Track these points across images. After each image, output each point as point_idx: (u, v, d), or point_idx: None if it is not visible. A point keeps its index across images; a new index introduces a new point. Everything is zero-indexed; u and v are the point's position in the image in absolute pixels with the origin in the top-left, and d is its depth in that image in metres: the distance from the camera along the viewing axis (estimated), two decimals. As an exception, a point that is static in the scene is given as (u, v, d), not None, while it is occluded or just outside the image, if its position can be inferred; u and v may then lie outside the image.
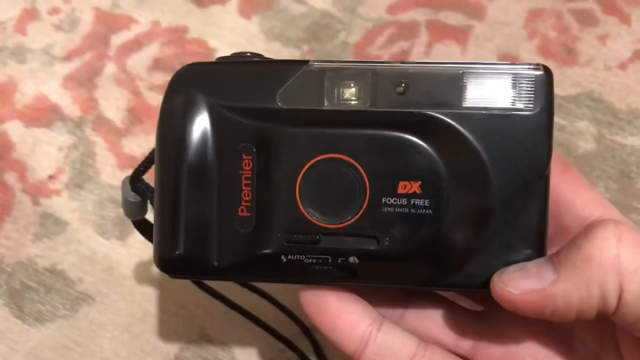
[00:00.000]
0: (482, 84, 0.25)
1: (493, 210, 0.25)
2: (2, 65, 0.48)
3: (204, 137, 0.26)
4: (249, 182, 0.26)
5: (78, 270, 0.41)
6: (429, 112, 0.25)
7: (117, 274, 0.41)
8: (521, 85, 0.25)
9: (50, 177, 0.44)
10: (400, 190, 0.25)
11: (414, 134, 0.25)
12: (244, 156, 0.26)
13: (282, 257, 0.26)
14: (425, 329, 0.28)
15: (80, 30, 0.49)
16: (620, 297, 0.23)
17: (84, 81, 0.47)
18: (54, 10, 0.50)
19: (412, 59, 0.46)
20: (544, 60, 0.45)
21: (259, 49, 0.47)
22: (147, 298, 0.40)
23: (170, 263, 0.27)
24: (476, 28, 0.47)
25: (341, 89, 0.26)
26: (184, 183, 0.26)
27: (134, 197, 0.30)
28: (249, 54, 0.27)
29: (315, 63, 0.26)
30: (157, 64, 0.47)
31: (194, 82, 0.27)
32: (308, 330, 0.38)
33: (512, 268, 0.25)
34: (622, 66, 0.45)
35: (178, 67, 0.27)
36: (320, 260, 0.26)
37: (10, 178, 0.44)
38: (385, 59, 0.46)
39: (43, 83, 0.47)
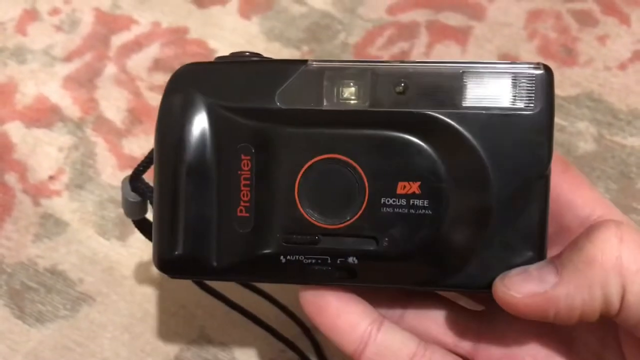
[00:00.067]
0: (482, 84, 0.25)
1: (493, 211, 0.25)
2: (3, 66, 0.48)
3: (202, 137, 0.26)
4: (247, 182, 0.26)
5: (78, 270, 0.41)
6: (429, 112, 0.25)
7: (118, 275, 0.41)
8: (521, 84, 0.25)
9: (51, 177, 0.44)
10: (399, 191, 0.25)
11: (413, 134, 0.25)
12: (242, 156, 0.26)
13: (281, 257, 0.26)
14: (425, 329, 0.28)
15: (80, 31, 0.49)
16: (622, 299, 0.23)
17: (84, 82, 0.47)
18: (55, 11, 0.50)
19: (412, 59, 0.46)
20: (544, 60, 0.45)
21: (259, 49, 0.47)
22: (147, 298, 0.40)
23: (169, 263, 0.27)
24: (476, 29, 0.47)
25: (340, 89, 0.25)
26: (183, 183, 0.26)
27: (133, 197, 0.30)
28: (247, 53, 0.27)
29: (314, 63, 0.26)
30: (157, 65, 0.47)
31: (192, 82, 0.26)
32: (309, 330, 0.38)
33: (514, 271, 0.25)
34: (622, 67, 0.45)
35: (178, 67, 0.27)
36: (319, 261, 0.26)
37: (11, 179, 0.44)
38: (385, 59, 0.46)
39: (43, 84, 0.47)
